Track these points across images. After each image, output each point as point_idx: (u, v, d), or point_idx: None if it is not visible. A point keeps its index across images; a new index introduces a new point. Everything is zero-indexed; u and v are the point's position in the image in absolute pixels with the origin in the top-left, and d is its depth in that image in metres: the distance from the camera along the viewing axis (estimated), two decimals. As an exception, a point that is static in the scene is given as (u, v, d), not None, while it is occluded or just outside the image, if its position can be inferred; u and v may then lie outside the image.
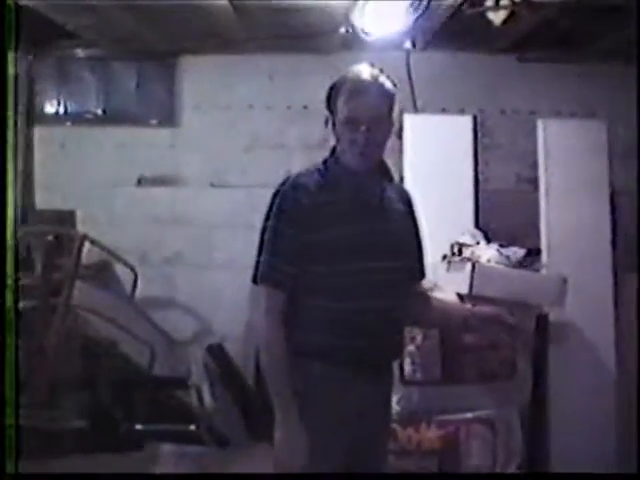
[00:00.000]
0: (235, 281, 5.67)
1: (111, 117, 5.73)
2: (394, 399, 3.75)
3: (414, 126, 5.16)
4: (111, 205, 5.68)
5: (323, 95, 5.76)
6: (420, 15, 4.24)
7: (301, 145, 5.74)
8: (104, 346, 5.07)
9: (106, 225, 5.55)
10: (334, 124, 2.92)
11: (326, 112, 3.00)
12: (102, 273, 5.47)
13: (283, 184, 2.82)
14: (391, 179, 2.97)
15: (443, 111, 5.49)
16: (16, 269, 3.46)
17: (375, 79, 2.84)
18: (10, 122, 2.76)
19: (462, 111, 5.51)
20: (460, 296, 4.40)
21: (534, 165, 5.57)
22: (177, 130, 5.73)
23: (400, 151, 5.20)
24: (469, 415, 4.32)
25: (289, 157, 5.73)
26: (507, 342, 4.41)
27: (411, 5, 4.23)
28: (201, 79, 5.71)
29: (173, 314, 5.64)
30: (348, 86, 2.85)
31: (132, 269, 5.31)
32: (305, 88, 5.69)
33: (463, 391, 4.37)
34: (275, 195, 2.80)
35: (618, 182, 5.16)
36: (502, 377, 4.41)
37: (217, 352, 5.60)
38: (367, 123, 2.78)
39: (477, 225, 4.98)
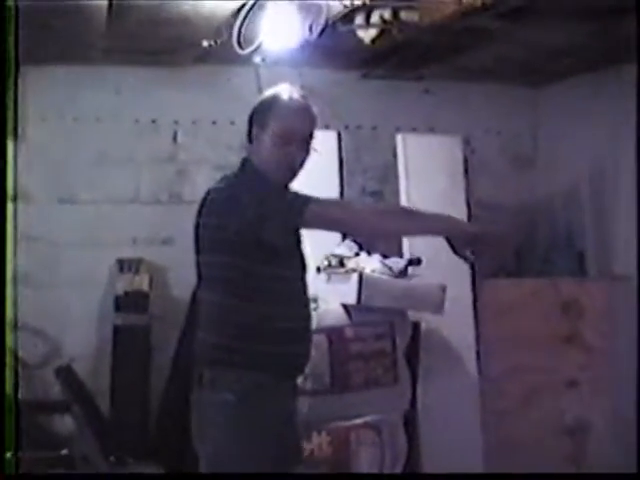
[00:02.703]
0: (83, 299, 5.52)
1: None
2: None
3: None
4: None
5: (172, 109, 5.77)
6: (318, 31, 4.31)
7: (150, 159, 5.67)
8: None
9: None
10: (252, 139, 3.05)
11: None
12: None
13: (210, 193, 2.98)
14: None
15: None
16: None
17: (305, 101, 3.02)
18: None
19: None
20: (346, 307, 4.54)
21: (377, 178, 5.84)
22: (21, 144, 5.46)
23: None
24: (358, 421, 4.47)
25: (138, 172, 5.64)
26: (389, 350, 4.61)
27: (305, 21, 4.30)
28: (46, 90, 5.47)
29: (19, 336, 5.36)
30: (283, 105, 3.03)
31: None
32: (154, 102, 5.64)
33: (351, 398, 4.51)
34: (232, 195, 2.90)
35: (473, 193, 5.48)
36: (386, 384, 4.59)
37: (66, 374, 5.41)
38: (298, 142, 2.97)
39: (344, 237, 5.09)
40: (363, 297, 4.43)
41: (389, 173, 5.66)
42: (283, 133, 2.94)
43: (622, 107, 4.88)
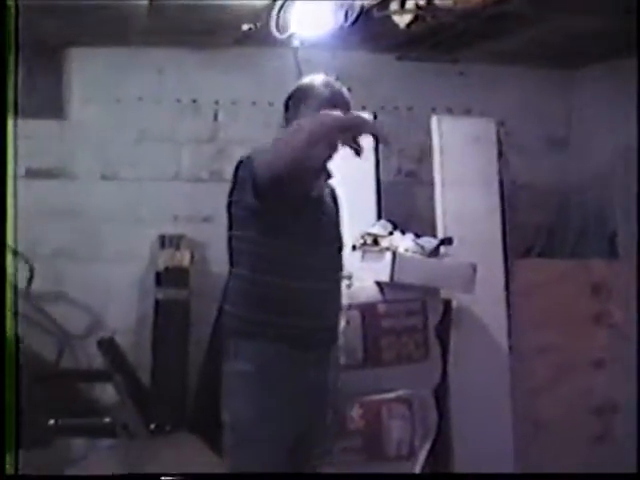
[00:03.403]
0: (126, 274, 5.69)
1: (-2, 109, 5.55)
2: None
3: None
4: (-1, 198, 5.52)
5: (213, 89, 5.89)
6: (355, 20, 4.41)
7: (191, 139, 5.84)
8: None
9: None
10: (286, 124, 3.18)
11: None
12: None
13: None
14: (329, 177, 3.24)
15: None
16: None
17: (341, 88, 3.13)
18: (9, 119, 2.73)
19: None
20: (379, 284, 4.66)
21: (413, 159, 5.95)
22: (66, 122, 5.64)
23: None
24: (389, 395, 4.59)
25: (179, 151, 5.80)
26: (421, 327, 4.73)
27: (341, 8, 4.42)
28: (90, 71, 5.64)
29: (63, 308, 5.55)
30: (321, 93, 3.12)
31: (28, 263, 5.24)
32: (195, 82, 5.78)
33: (383, 373, 4.64)
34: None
35: (507, 174, 5.56)
36: (417, 359, 4.71)
37: (108, 346, 5.58)
38: None
39: (379, 217, 5.21)
40: (396, 275, 4.54)
41: (424, 153, 5.75)
42: None
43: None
